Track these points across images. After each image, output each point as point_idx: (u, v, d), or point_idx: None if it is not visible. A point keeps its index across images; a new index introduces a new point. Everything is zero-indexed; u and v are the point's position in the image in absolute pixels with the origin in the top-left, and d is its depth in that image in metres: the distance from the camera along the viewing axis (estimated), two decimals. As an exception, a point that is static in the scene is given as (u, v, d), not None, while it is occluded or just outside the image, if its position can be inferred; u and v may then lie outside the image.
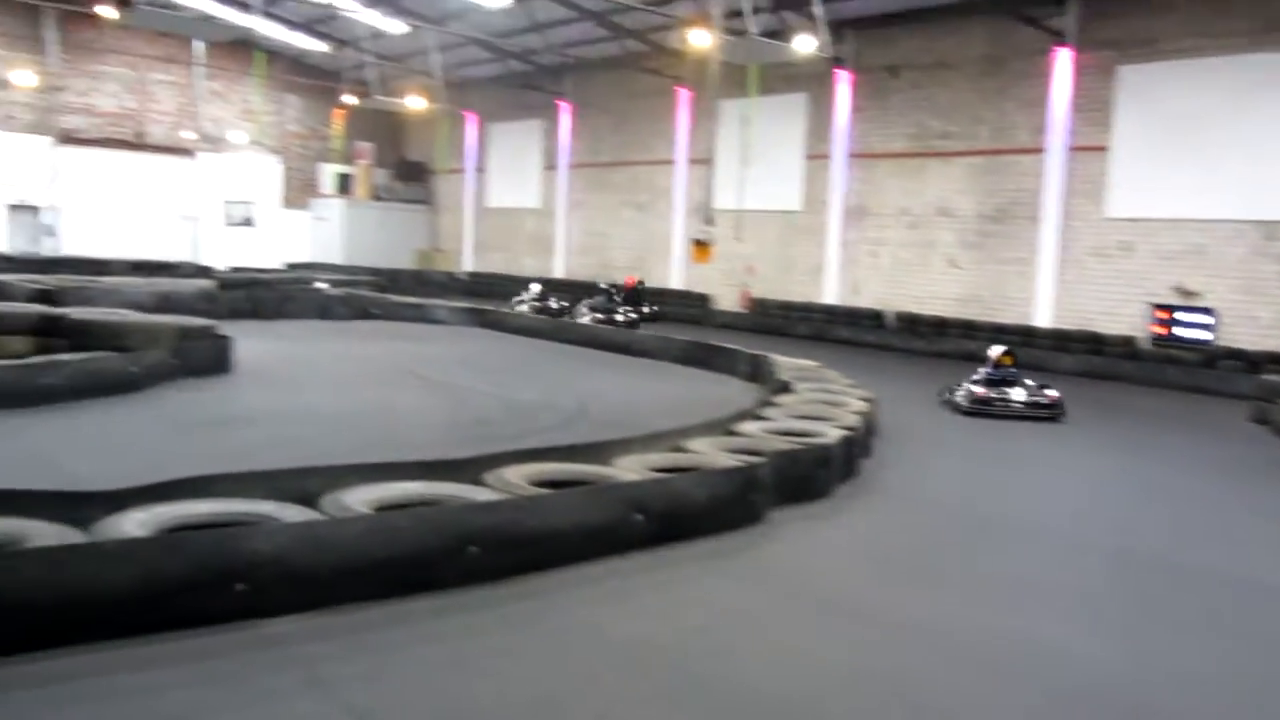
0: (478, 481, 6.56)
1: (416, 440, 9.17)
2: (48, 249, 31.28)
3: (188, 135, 33.07)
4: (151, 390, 10.65)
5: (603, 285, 24.59)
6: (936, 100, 21.65)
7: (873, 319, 22.12)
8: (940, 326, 20.78)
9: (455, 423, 9.92)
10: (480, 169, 34.39)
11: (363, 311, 20.58)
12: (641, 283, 25.08)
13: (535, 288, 24.91)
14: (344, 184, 36.16)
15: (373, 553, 5.15)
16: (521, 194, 32.75)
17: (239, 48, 32.07)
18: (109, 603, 4.43)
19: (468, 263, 34.67)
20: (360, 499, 5.88)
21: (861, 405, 10.20)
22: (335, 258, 34.73)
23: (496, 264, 33.58)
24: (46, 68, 30.63)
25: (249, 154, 34.72)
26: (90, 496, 5.48)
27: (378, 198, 36.34)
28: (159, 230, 32.81)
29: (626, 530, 6.13)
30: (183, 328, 12.21)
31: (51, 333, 12.14)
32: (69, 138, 31.57)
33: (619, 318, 22.03)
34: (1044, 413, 12.51)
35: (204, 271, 27.99)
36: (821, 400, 10.43)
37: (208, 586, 4.66)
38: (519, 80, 31.09)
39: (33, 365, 10.02)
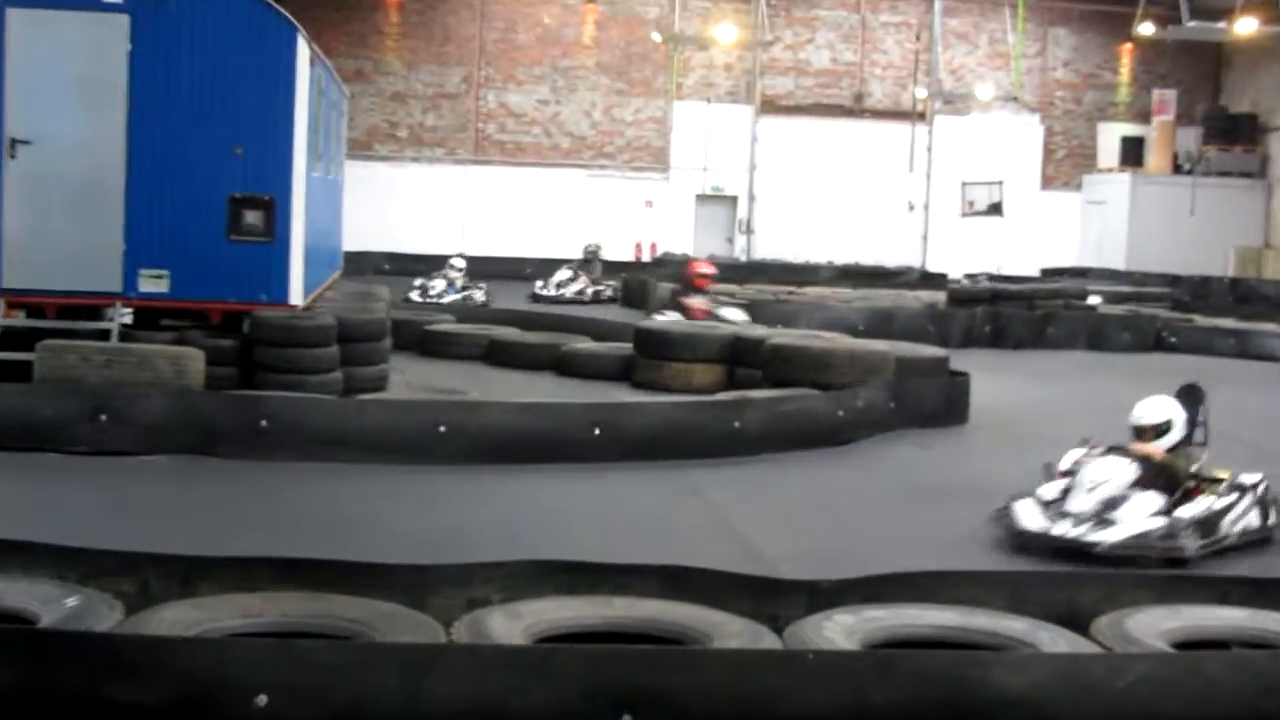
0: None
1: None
2: (741, 250, 35.15)
3: (919, 94, 35.08)
4: (860, 443, 11.39)
5: None
6: None
7: None
8: None
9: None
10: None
11: (1154, 339, 20.24)
12: None
13: None
14: (1132, 152, 35.92)
15: (1166, 709, 4.97)
16: None
17: (990, -32, 33.62)
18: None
19: (1321, 267, 32.63)
20: (1151, 627, 5.71)
21: None
22: (1115, 259, 34.62)
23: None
24: (750, 19, 34.47)
25: (998, 115, 35.97)
26: (786, 586, 5.95)
27: (1181, 170, 35.59)
28: (876, 223, 35.39)
29: None
30: (904, 359, 12.91)
31: (743, 361, 13.60)
32: (772, 106, 35.23)
33: None
34: None
35: (931, 279, 29.52)
36: None
37: (928, 723, 4.83)
38: None
39: (719, 404, 11.24)
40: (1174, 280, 30.96)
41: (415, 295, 22.45)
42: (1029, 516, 8.10)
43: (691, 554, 7.09)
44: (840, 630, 5.49)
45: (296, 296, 12.54)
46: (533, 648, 5.02)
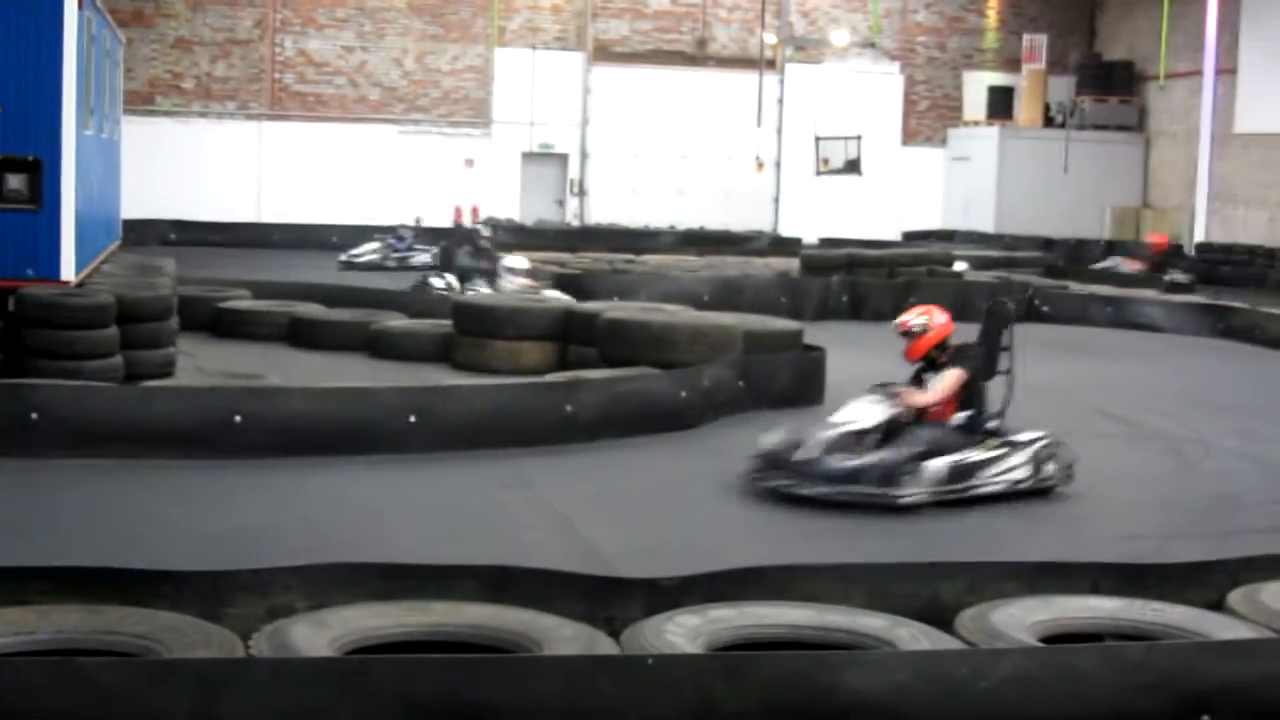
0: (1217, 604, 6.34)
1: (1112, 525, 9.02)
2: (573, 214, 35.14)
3: (768, 39, 35.34)
4: (706, 426, 11.52)
5: None
6: None
7: None
8: None
9: (1175, 499, 9.74)
10: (1226, 70, 33.19)
11: (1026, 309, 20.67)
12: None
13: None
14: (1000, 103, 36.64)
15: (1037, 709, 5.14)
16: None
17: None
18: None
19: (1199, 228, 33.60)
20: (1019, 621, 5.89)
21: None
22: (983, 221, 35.44)
23: (1250, 229, 32.18)
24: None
25: (855, 63, 36.44)
26: (623, 585, 6.03)
27: (1053, 123, 36.43)
28: (722, 184, 35.68)
29: None
30: (753, 334, 13.07)
31: (576, 338, 13.66)
32: (605, 54, 35.28)
33: None
34: None
35: (784, 245, 29.84)
36: None
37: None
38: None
39: (550, 386, 11.29)
40: (1047, 243, 31.72)
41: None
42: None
43: (520, 552, 7.15)
44: (683, 633, 5.58)
45: (69, 271, 12.28)
46: (342, 660, 5.03)
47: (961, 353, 9.77)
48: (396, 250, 25.88)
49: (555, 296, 16.77)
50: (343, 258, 25.92)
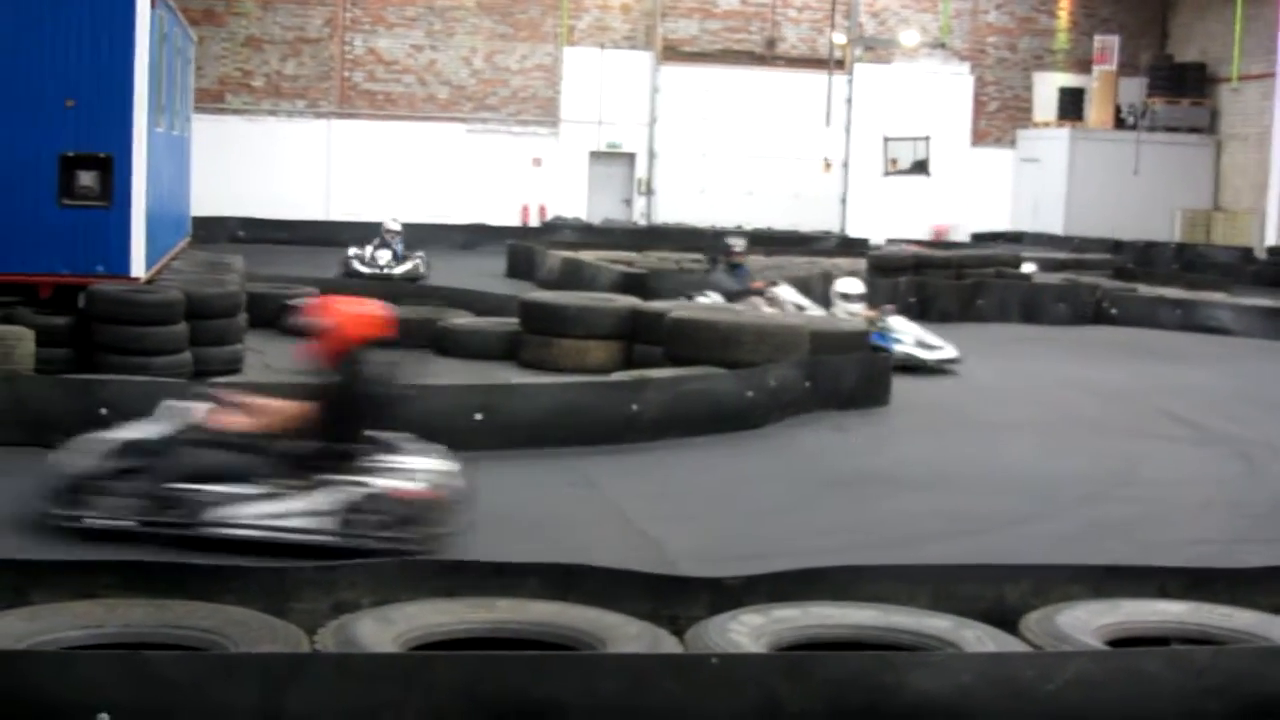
0: (1285, 610, 6.28)
1: (1176, 530, 8.96)
2: (641, 213, 35.14)
3: (837, 39, 35.26)
4: (771, 426, 11.50)
5: None
6: None
7: None
8: None
9: (1243, 502, 9.72)
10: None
11: (1094, 311, 20.59)
12: None
13: None
14: (1071, 104, 36.48)
15: (1101, 712, 5.11)
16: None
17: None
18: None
19: (1271, 231, 33.26)
20: (1085, 624, 5.86)
21: None
22: (1052, 223, 35.25)
23: (1322, 233, 31.88)
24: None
25: (925, 64, 36.30)
26: (688, 584, 6.03)
27: (1124, 124, 36.18)
28: (790, 184, 35.64)
29: None
30: (820, 334, 13.04)
31: (642, 337, 13.67)
32: (674, 53, 35.27)
33: None
34: None
35: (851, 245, 29.75)
36: None
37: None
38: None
39: (615, 385, 11.30)
40: (1116, 246, 31.50)
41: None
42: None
43: (584, 550, 7.16)
44: (747, 632, 5.57)
45: (138, 267, 12.40)
46: (407, 655, 5.06)
47: None
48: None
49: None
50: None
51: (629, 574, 6.13)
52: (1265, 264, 30.84)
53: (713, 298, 15.92)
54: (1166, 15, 37.37)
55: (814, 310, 16.16)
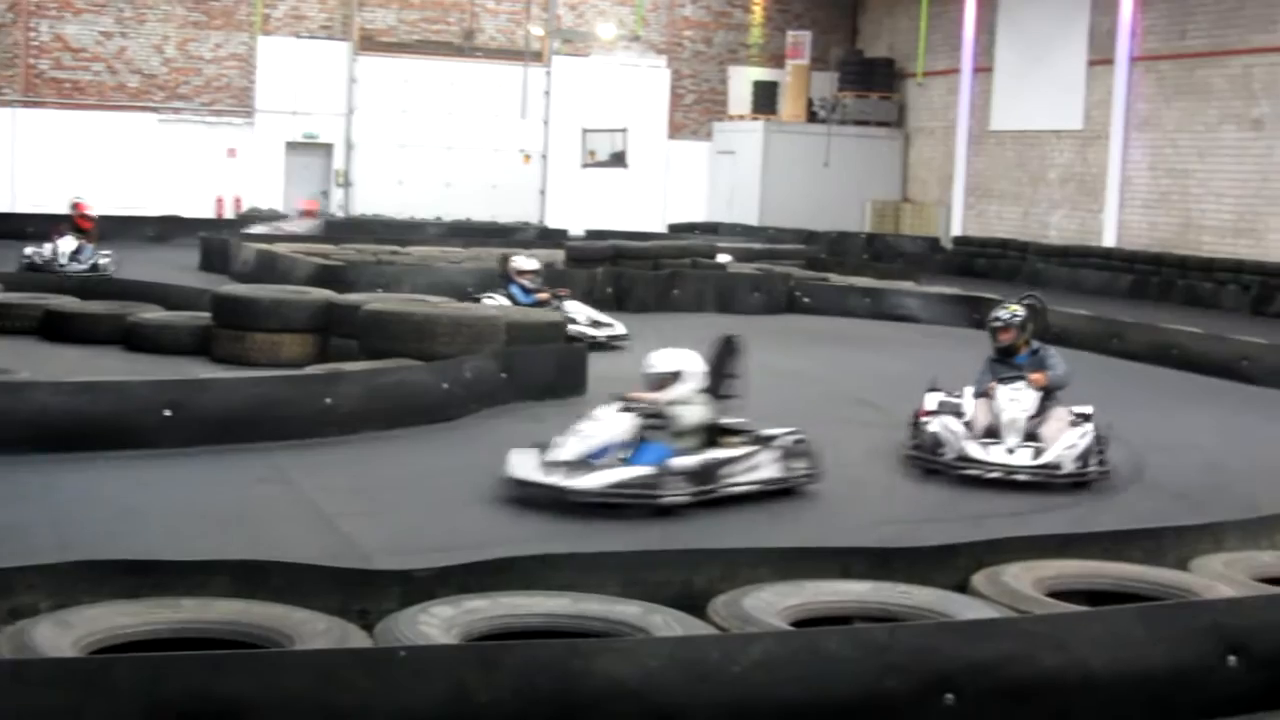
0: (962, 586, 6.56)
1: (861, 513, 9.25)
2: (338, 205, 34.76)
3: (535, 31, 35.42)
4: (468, 418, 11.54)
5: None
6: None
7: None
8: None
9: (930, 484, 9.98)
10: (982, 69, 34.12)
11: (787, 300, 21.10)
12: None
13: None
14: (764, 99, 37.23)
15: (786, 691, 5.24)
16: (1050, 108, 32.07)
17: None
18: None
19: (956, 222, 34.55)
20: (771, 605, 6.02)
21: None
22: (747, 214, 35.98)
23: (1004, 222, 33.18)
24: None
25: (622, 56, 36.70)
26: (378, 577, 6.02)
27: (816, 118, 37.14)
28: (489, 176, 35.65)
29: (1212, 680, 5.83)
30: (516, 325, 13.09)
31: (338, 330, 13.52)
32: (372, 43, 34.93)
33: None
34: None
35: (549, 236, 29.90)
36: None
37: (538, 723, 4.97)
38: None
39: (309, 378, 11.17)
40: (809, 236, 32.41)
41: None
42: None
43: (275, 547, 7.09)
44: (438, 624, 5.60)
45: None
46: (85, 659, 4.94)
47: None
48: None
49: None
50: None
51: (318, 569, 6.09)
52: (951, 253, 32.19)
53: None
54: (857, 12, 38.49)
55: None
